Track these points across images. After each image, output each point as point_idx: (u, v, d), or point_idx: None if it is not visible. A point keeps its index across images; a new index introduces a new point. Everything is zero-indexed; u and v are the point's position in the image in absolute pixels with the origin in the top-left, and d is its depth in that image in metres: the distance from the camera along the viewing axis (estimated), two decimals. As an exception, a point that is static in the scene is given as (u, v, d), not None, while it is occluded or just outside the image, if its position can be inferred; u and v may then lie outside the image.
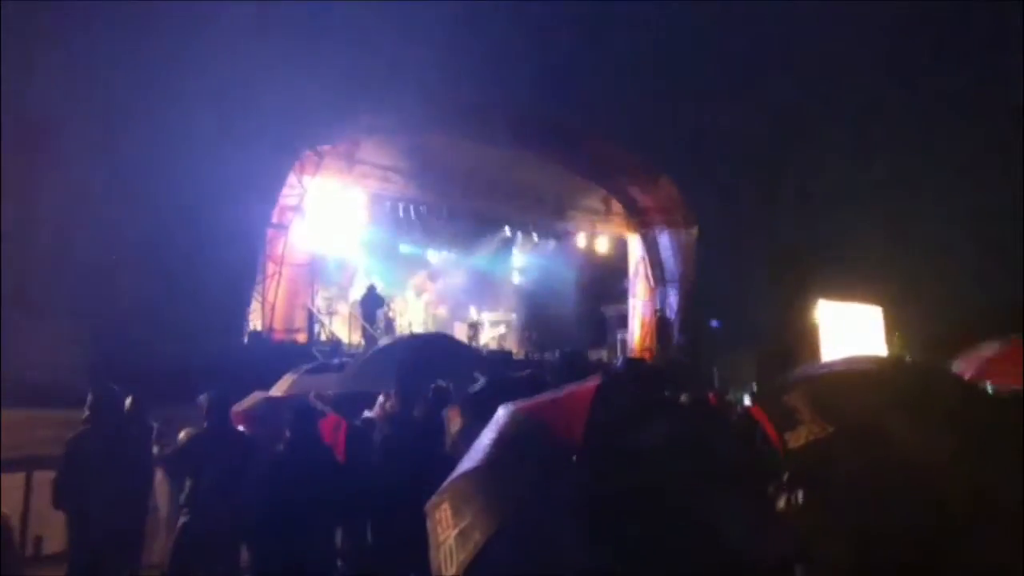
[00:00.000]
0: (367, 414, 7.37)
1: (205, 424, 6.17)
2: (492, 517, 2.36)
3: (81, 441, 5.91)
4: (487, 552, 2.26)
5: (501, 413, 2.77)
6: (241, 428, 6.86)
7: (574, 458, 2.41)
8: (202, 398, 6.25)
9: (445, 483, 2.57)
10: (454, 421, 5.20)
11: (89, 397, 6.10)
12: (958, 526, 2.45)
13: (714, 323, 21.64)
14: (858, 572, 2.56)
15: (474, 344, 20.12)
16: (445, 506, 2.46)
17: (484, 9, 17.54)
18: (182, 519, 5.78)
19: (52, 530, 6.84)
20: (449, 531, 2.37)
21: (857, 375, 3.22)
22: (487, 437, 2.68)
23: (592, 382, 2.75)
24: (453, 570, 2.27)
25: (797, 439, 2.78)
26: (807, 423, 2.81)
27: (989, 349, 6.91)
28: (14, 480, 7.75)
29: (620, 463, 2.42)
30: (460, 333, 21.68)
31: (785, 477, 2.84)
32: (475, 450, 2.66)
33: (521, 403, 2.83)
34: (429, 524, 2.48)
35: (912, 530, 2.51)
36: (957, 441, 2.65)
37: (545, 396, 2.87)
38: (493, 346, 21.75)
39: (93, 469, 5.65)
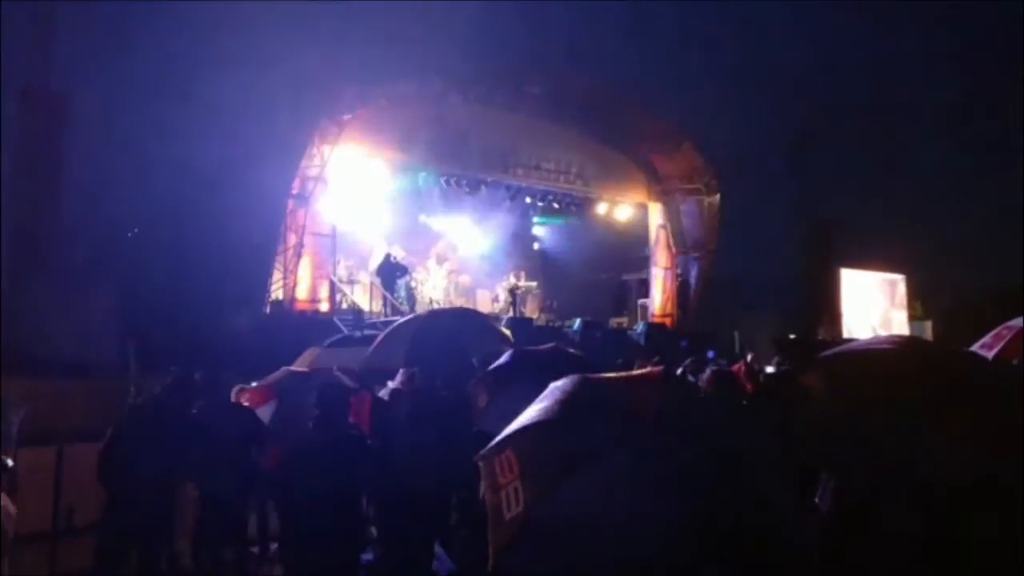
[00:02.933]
0: (391, 385, 7.32)
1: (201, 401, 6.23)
2: (567, 462, 2.54)
3: (137, 413, 5.96)
4: (560, 491, 2.46)
5: (567, 380, 2.95)
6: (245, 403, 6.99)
7: (650, 423, 2.59)
8: (197, 376, 6.32)
9: (503, 436, 2.72)
10: (480, 397, 5.28)
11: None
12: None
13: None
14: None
15: (515, 309, 20.14)
16: (508, 453, 2.61)
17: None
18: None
19: (83, 502, 6.95)
20: (513, 475, 2.53)
21: (874, 354, 3.33)
22: (553, 397, 2.83)
23: (657, 371, 3.16)
24: (519, 508, 2.44)
25: (810, 415, 2.99)
26: (819, 401, 2.99)
27: (1015, 326, 6.92)
28: (45, 453, 7.84)
29: (687, 436, 2.59)
30: (483, 301, 21.71)
31: (801, 452, 3.05)
32: (539, 408, 2.80)
33: (592, 376, 3.12)
34: (485, 470, 2.64)
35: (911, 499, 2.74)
36: (965, 421, 2.75)
37: (614, 375, 3.17)
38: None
39: (145, 444, 5.64)
